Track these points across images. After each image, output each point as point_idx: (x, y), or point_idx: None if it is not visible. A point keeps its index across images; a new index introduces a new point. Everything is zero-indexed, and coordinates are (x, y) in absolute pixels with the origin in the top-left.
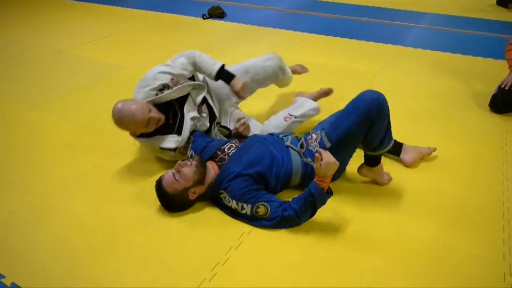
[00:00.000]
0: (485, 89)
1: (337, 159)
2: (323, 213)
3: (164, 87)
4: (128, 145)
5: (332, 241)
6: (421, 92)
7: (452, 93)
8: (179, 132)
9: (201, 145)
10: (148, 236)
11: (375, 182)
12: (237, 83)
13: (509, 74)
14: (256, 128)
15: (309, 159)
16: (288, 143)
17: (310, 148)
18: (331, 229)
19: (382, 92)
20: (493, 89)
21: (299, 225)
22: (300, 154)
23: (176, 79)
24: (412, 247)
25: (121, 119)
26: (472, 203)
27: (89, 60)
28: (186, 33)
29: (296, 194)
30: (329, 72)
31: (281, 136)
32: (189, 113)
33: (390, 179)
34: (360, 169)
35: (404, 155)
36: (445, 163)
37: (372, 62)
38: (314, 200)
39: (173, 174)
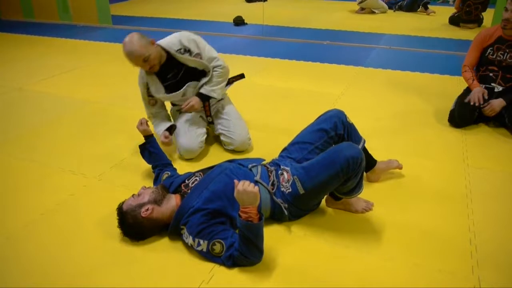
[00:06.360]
0: (444, 104)
1: (310, 201)
2: (292, 240)
3: (186, 51)
4: (93, 182)
5: (304, 267)
6: (384, 111)
7: (413, 110)
8: (171, 90)
9: (169, 181)
10: (117, 277)
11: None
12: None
13: (473, 91)
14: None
15: (279, 200)
16: (257, 177)
17: (282, 189)
18: (303, 255)
19: (345, 112)
20: (451, 105)
21: (258, 261)
22: (270, 193)
23: (199, 56)
24: (383, 266)
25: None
26: (439, 218)
27: (51, 96)
28: None
29: (268, 224)
30: (293, 95)
31: (250, 166)
32: (188, 85)
33: (366, 208)
34: (326, 200)
35: (372, 175)
36: (410, 180)
37: (335, 84)
38: (244, 234)
39: (133, 195)
